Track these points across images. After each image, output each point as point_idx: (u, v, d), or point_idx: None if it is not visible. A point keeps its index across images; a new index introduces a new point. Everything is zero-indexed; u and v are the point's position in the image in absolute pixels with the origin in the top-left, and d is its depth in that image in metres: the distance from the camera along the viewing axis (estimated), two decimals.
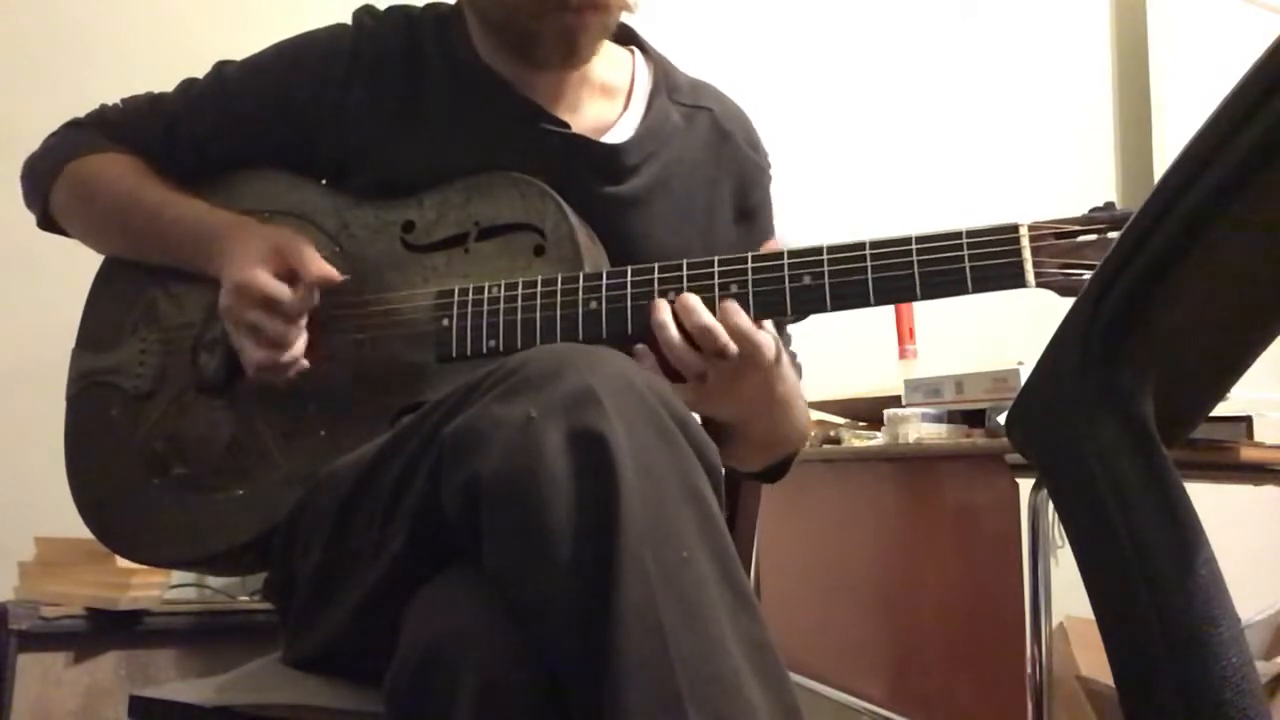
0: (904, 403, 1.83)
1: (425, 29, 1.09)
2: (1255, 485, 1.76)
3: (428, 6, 1.12)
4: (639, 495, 0.67)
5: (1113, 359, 0.51)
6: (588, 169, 1.05)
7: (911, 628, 1.85)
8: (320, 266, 0.99)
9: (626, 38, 1.15)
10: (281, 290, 0.96)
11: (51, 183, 1.12)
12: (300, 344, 0.97)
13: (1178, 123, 3.01)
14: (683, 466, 0.71)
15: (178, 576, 1.66)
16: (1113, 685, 0.50)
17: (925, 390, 1.82)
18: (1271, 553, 2.62)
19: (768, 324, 0.93)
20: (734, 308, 0.91)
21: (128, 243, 1.11)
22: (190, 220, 1.06)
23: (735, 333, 0.90)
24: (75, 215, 1.13)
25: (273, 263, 0.98)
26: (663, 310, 0.92)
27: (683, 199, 1.09)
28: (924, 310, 2.09)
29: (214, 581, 1.74)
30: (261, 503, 0.98)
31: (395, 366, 0.99)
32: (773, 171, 1.18)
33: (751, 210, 1.15)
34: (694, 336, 0.90)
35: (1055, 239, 0.88)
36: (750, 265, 0.93)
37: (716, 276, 0.93)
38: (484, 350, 0.97)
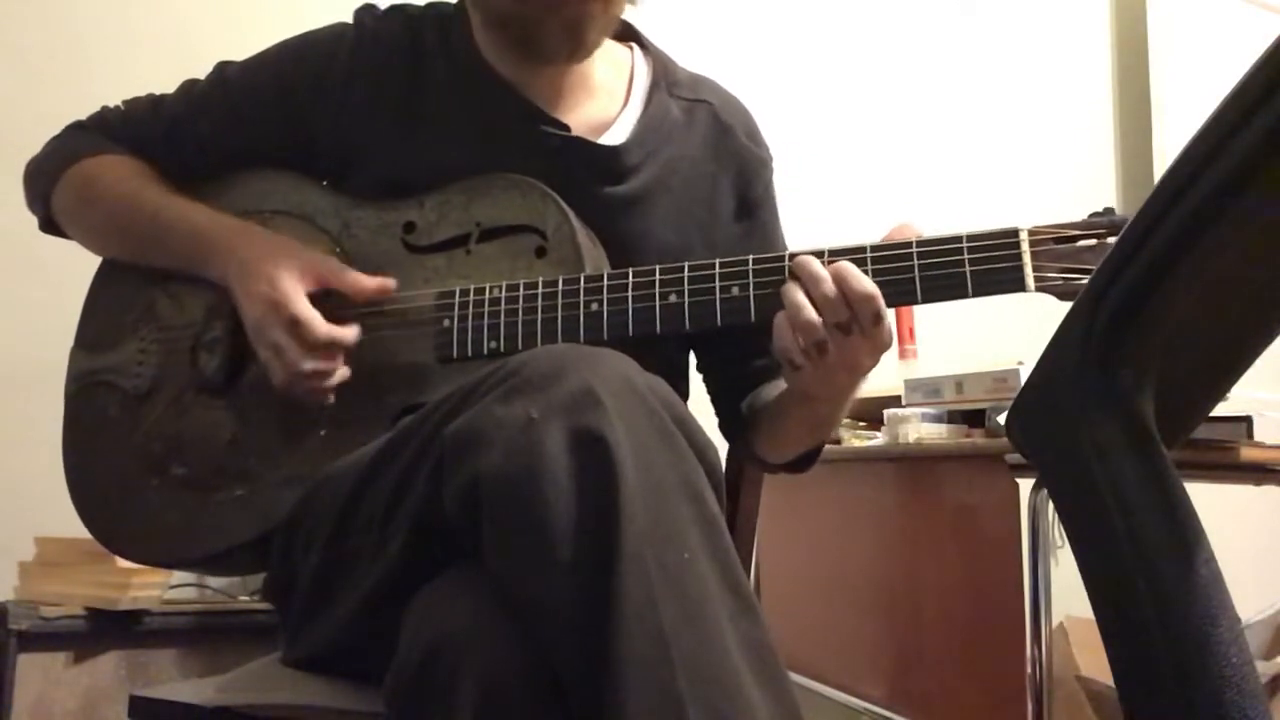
0: (904, 403, 1.83)
1: (426, 29, 1.09)
2: (1255, 485, 1.76)
3: (429, 6, 1.12)
4: (639, 496, 0.67)
5: (1113, 359, 0.51)
6: (588, 170, 1.05)
7: (911, 628, 1.85)
8: (365, 280, 0.99)
9: (625, 34, 1.15)
10: (317, 321, 0.96)
11: (54, 185, 1.12)
12: (340, 372, 0.97)
13: (1178, 123, 3.01)
14: (683, 467, 0.71)
15: (178, 576, 1.66)
16: (1113, 685, 0.50)
17: (925, 390, 1.82)
18: (1271, 553, 2.62)
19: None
20: (849, 269, 0.88)
21: (129, 246, 1.11)
22: (193, 224, 1.06)
23: (855, 298, 0.87)
24: (77, 218, 1.13)
25: (308, 282, 0.98)
26: (796, 291, 0.89)
27: (683, 196, 1.09)
28: (924, 310, 2.08)
29: (214, 581, 1.74)
30: (261, 503, 0.98)
31: (396, 367, 0.99)
32: (775, 164, 1.18)
33: (753, 204, 1.14)
34: (821, 308, 0.88)
35: (1055, 244, 0.88)
36: (752, 267, 0.93)
37: (718, 279, 0.93)
38: (485, 351, 0.97)
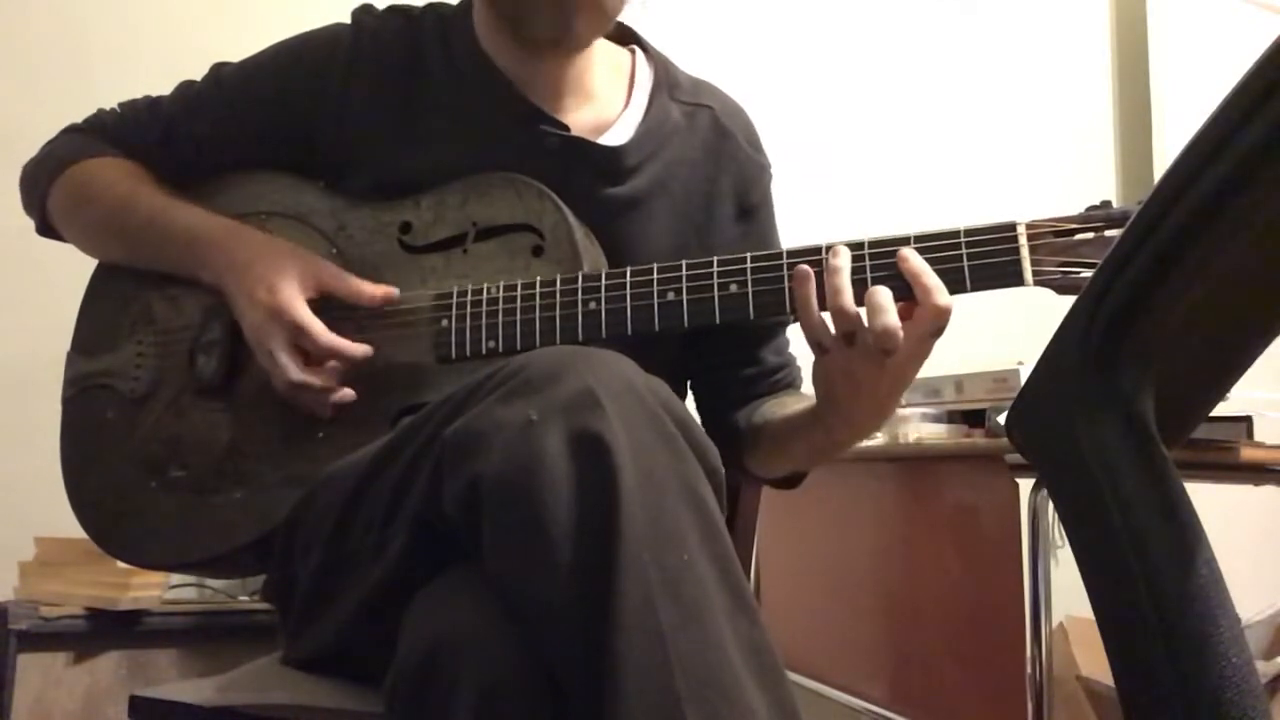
0: (904, 403, 1.83)
1: (425, 29, 1.09)
2: (1255, 485, 1.76)
3: (428, 6, 1.12)
4: (639, 498, 0.67)
5: (1113, 359, 0.51)
6: (587, 171, 1.04)
7: (911, 628, 1.85)
8: (368, 286, 0.99)
9: (626, 37, 1.15)
10: (318, 328, 0.96)
11: (49, 188, 1.11)
12: (343, 389, 0.97)
13: (1178, 123, 3.01)
14: (683, 469, 0.71)
15: (178, 577, 1.66)
16: (1113, 685, 0.50)
17: (925, 390, 1.82)
18: (1271, 553, 2.62)
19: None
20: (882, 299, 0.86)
21: (125, 249, 1.11)
22: (189, 227, 1.05)
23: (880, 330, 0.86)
24: (73, 221, 1.13)
25: (308, 288, 0.98)
26: (807, 284, 0.88)
27: (682, 199, 1.09)
28: None
29: (214, 581, 1.74)
30: (261, 505, 0.97)
31: (394, 368, 0.99)
32: (774, 171, 1.18)
33: (752, 209, 1.14)
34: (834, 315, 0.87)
35: (1053, 237, 0.88)
36: (749, 265, 0.93)
37: (715, 276, 0.93)
38: (483, 351, 0.97)
